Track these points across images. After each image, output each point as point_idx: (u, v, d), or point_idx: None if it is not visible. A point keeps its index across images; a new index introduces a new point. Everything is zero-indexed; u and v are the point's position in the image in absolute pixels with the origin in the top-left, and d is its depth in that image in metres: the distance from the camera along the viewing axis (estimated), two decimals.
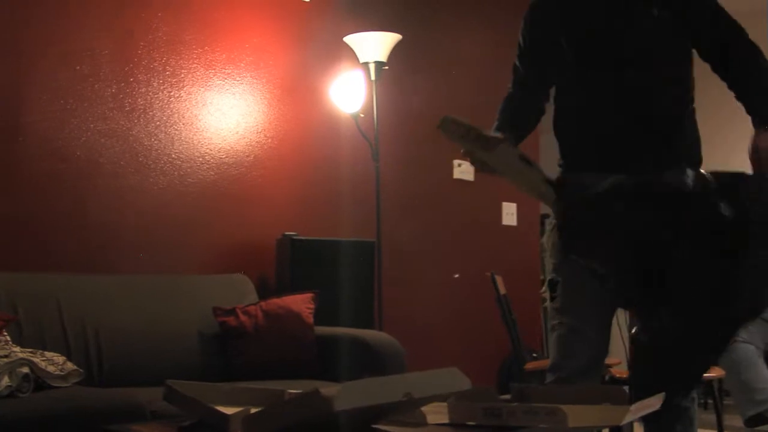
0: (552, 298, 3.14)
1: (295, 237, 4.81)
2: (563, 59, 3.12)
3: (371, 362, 4.06)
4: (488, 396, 2.24)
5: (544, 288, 3.19)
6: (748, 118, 2.98)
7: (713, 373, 4.86)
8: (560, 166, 3.20)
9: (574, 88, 3.12)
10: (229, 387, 2.44)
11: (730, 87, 3.05)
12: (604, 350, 3.15)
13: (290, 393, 2.35)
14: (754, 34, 3.05)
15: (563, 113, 3.20)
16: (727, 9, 3.07)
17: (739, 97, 3.03)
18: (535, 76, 3.24)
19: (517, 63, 3.28)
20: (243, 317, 4.21)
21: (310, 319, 4.29)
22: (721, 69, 3.07)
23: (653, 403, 2.19)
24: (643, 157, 3.00)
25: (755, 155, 2.89)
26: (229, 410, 2.03)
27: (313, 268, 4.78)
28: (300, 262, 4.79)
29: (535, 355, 6.32)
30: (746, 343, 4.90)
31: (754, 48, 3.02)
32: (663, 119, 3.04)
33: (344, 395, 1.65)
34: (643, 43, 3.02)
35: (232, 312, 4.23)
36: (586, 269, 2.93)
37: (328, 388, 1.65)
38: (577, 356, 3.08)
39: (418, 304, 5.79)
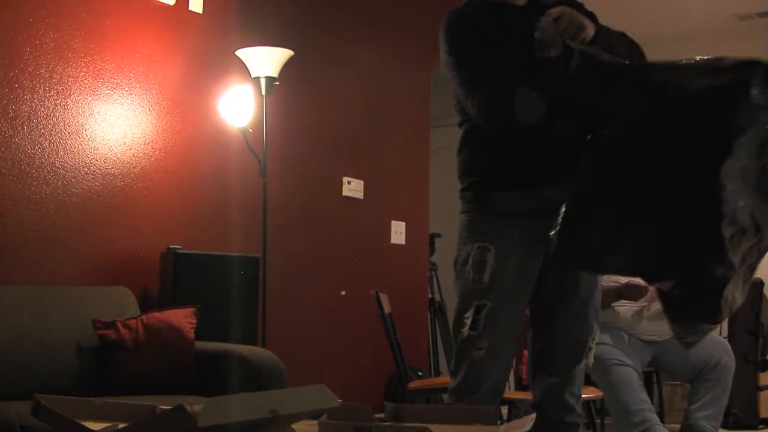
0: (474, 321, 3.12)
1: (179, 250, 4.77)
2: None
3: (251, 378, 4.04)
4: (362, 414, 2.24)
5: (468, 314, 3.17)
6: None
7: (592, 394, 4.96)
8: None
9: None
10: (101, 402, 2.40)
11: None
12: (509, 376, 3.22)
13: (162, 408, 2.32)
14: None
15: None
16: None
17: None
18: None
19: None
20: (123, 331, 4.15)
21: (191, 334, 4.25)
22: None
23: (524, 424, 2.22)
24: None
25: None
26: (96, 426, 2.00)
27: (197, 283, 4.74)
28: (184, 276, 4.74)
29: (421, 373, 6.36)
30: (624, 366, 4.99)
31: None
32: None
33: (208, 411, 1.63)
34: None
35: (111, 325, 4.17)
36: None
37: (193, 404, 1.64)
38: (488, 384, 3.12)
39: (304, 321, 5.78)
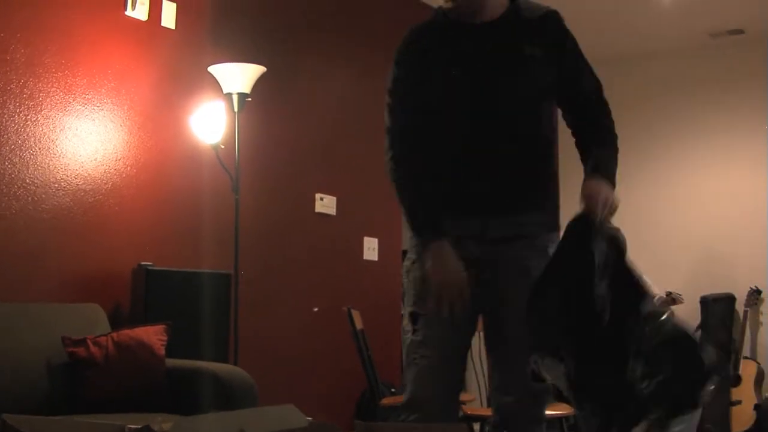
0: (414, 331, 3.14)
1: (150, 267, 4.75)
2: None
3: (222, 396, 4.03)
4: None
5: (405, 321, 3.20)
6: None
7: (563, 411, 4.95)
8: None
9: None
10: (70, 421, 2.39)
11: (575, 135, 3.20)
12: (461, 385, 3.19)
13: (131, 428, 2.30)
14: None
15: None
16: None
17: (580, 147, 3.19)
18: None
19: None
20: (93, 348, 4.12)
21: (162, 351, 4.23)
22: (572, 118, 3.20)
23: None
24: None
25: (584, 202, 2.99)
26: None
27: (168, 299, 4.73)
28: (155, 292, 4.72)
29: (393, 390, 6.35)
30: None
31: (605, 107, 3.21)
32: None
33: (178, 431, 1.62)
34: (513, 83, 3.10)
35: (82, 342, 4.14)
36: None
37: (161, 423, 1.63)
38: (437, 392, 3.10)
39: (276, 338, 5.77)
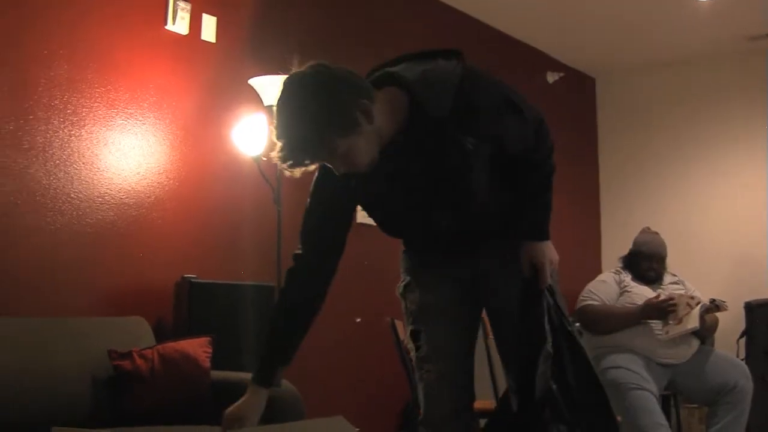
0: (417, 348, 3.14)
1: (194, 280, 4.77)
2: None
3: (268, 408, 4.02)
4: None
5: (408, 341, 3.21)
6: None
7: None
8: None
9: None
10: None
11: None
12: (473, 393, 3.18)
13: None
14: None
15: None
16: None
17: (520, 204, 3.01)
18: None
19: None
20: (139, 361, 4.15)
21: (207, 364, 4.24)
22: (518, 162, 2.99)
23: None
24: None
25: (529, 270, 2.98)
26: None
27: (212, 312, 4.74)
28: (199, 305, 4.74)
29: None
30: (642, 390, 4.96)
31: (543, 148, 2.96)
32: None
33: None
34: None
35: (127, 355, 4.16)
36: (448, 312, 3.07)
37: None
38: (447, 403, 3.10)
39: (319, 349, 5.76)
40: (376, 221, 3.06)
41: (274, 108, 2.70)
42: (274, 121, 2.66)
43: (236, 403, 2.92)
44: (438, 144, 2.78)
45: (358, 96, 2.69)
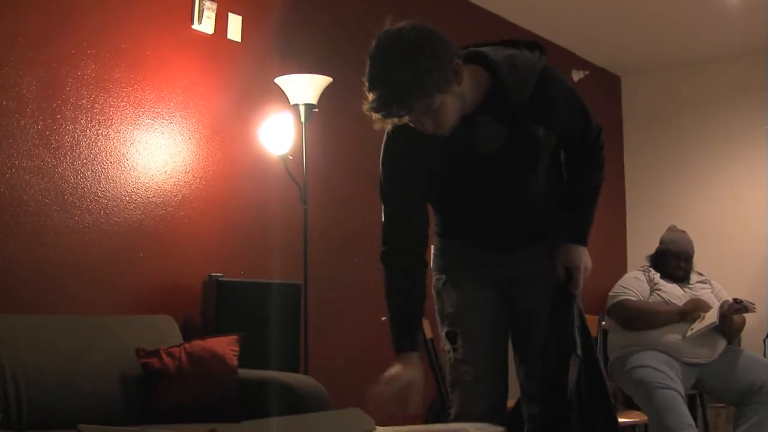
0: (454, 350, 3.15)
1: (221, 278, 4.78)
2: None
3: (295, 406, 4.04)
4: None
5: (444, 342, 3.22)
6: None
7: (636, 418, 4.91)
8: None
9: None
10: (143, 430, 2.41)
11: (566, 167, 3.11)
12: (506, 393, 3.19)
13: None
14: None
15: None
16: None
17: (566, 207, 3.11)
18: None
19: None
20: (166, 359, 4.16)
21: (234, 362, 4.25)
22: (570, 168, 3.11)
23: None
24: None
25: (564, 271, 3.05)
26: None
27: (239, 310, 4.76)
28: (226, 303, 4.76)
29: None
30: (668, 389, 4.94)
31: (593, 146, 3.05)
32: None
33: None
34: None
35: (155, 353, 4.18)
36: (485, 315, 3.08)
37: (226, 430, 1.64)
38: (482, 403, 3.11)
39: (346, 347, 5.78)
40: (431, 200, 3.10)
41: (369, 59, 2.70)
42: (369, 70, 2.68)
43: (396, 372, 2.97)
44: (511, 129, 2.84)
45: (455, 56, 2.69)
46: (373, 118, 2.68)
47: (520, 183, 2.98)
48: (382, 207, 3.05)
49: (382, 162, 3.04)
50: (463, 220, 3.13)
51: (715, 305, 5.18)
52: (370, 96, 2.65)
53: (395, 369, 2.95)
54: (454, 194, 3.04)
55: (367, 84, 2.67)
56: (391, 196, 3.03)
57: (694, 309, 5.18)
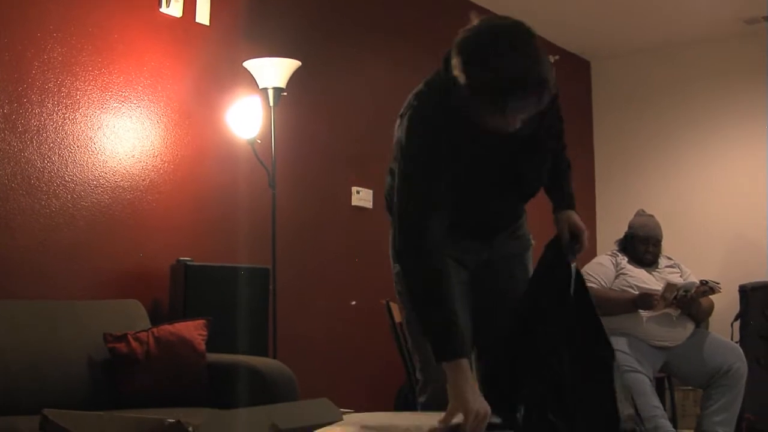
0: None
1: (189, 262, 4.77)
2: None
3: (263, 390, 4.04)
4: None
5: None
6: None
7: None
8: None
9: None
10: (109, 416, 2.40)
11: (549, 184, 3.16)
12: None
13: (169, 422, 2.31)
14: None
15: None
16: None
17: (552, 192, 3.19)
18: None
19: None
20: (134, 344, 4.15)
21: (202, 346, 4.25)
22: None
23: None
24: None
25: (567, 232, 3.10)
26: None
27: (207, 294, 4.74)
28: (194, 287, 4.74)
29: None
30: (636, 372, 4.98)
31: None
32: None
33: (207, 426, 1.63)
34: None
35: (122, 338, 4.17)
36: None
37: (191, 419, 1.63)
38: None
39: (315, 331, 5.78)
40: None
41: (497, 55, 2.46)
42: (506, 67, 2.45)
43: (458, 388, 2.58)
44: (536, 128, 2.80)
45: None
46: (508, 120, 2.56)
47: (533, 172, 2.98)
48: (408, 200, 2.79)
49: (418, 149, 2.77)
50: (468, 210, 3.03)
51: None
52: (511, 94, 2.46)
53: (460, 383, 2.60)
54: (473, 182, 2.90)
55: (507, 82, 2.45)
56: (425, 186, 2.75)
57: (649, 297, 5.19)
